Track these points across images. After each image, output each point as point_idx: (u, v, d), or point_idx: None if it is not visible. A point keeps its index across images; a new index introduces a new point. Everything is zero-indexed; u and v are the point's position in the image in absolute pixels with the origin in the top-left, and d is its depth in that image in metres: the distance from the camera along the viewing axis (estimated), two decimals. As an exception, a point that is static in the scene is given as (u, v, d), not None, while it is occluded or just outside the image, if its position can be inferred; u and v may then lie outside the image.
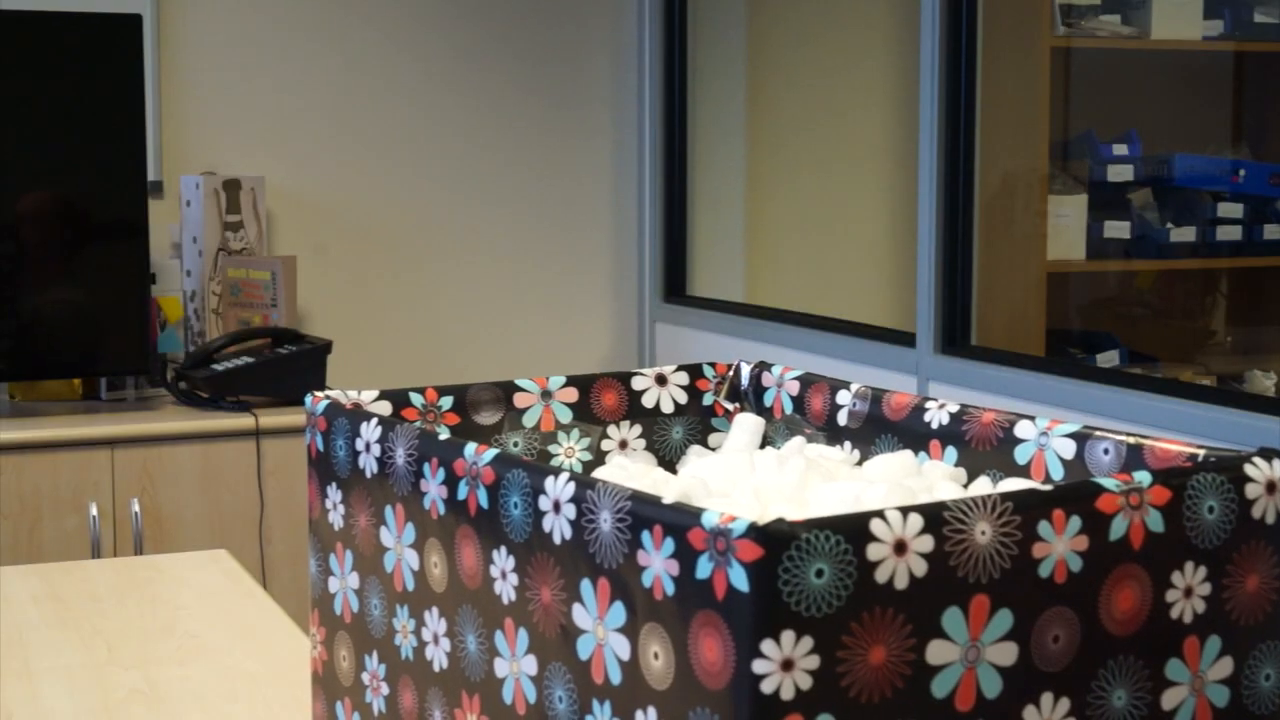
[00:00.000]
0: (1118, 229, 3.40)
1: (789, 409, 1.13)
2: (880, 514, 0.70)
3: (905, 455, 1.00)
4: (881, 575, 0.70)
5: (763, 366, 1.17)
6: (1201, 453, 0.87)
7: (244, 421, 3.09)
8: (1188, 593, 0.80)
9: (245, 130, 3.60)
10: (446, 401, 1.10)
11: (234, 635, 1.68)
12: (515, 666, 0.85)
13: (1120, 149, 3.42)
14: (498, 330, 3.86)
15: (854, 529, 0.69)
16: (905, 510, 0.71)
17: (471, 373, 3.66)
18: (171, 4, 3.53)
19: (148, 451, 3.04)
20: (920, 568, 0.71)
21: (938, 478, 0.96)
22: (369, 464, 0.98)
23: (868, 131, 3.87)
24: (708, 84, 3.93)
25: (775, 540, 0.68)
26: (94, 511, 2.99)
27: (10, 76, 3.09)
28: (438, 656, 0.93)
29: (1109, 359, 3.34)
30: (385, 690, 0.98)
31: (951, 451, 1.00)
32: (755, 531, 0.68)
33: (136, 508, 3.02)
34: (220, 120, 3.58)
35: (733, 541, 0.68)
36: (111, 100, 3.12)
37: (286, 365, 3.19)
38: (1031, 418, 0.97)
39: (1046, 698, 0.76)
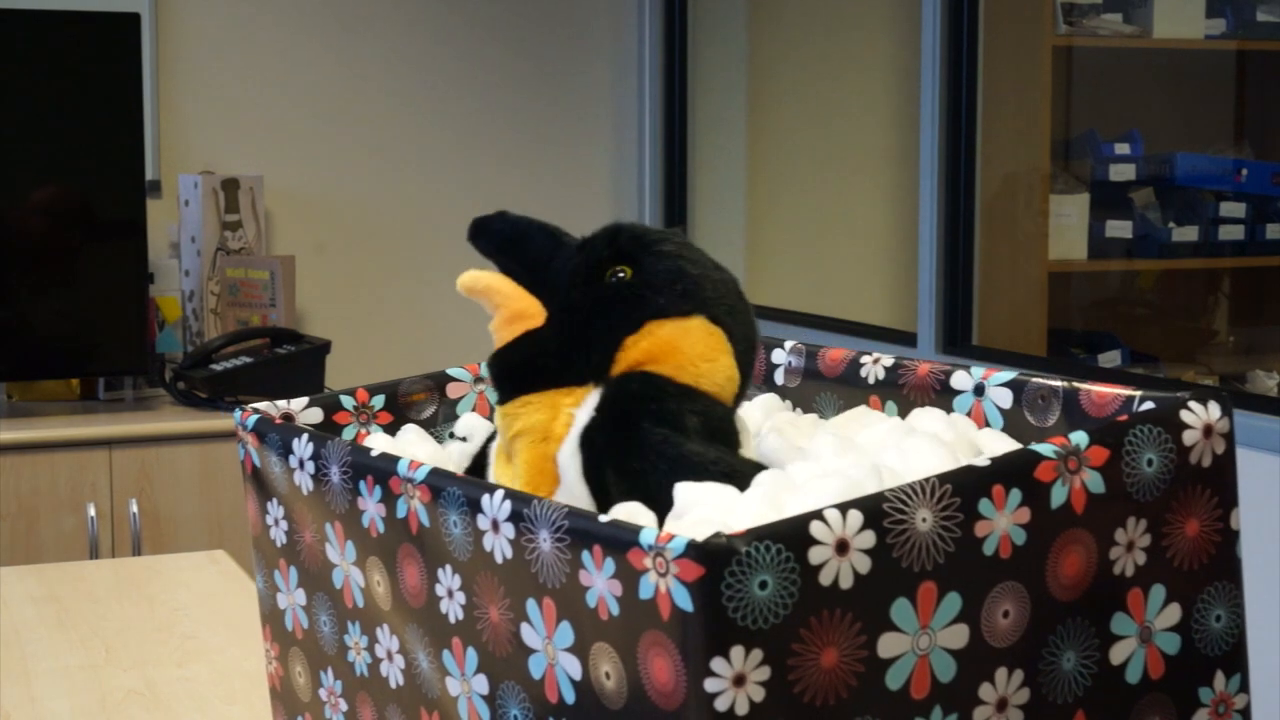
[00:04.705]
0: (1119, 228, 3.39)
1: None
2: (819, 515, 0.69)
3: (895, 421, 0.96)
4: (825, 578, 0.69)
5: None
6: (1137, 394, 0.85)
7: (243, 422, 3.07)
8: (1129, 547, 0.79)
9: (244, 130, 3.60)
10: (379, 400, 1.06)
11: (232, 636, 1.68)
12: (466, 686, 0.84)
13: (1122, 148, 3.41)
14: (497, 330, 3.84)
15: (794, 535, 0.69)
16: (844, 508, 0.70)
17: (471, 373, 3.64)
18: (170, 3, 3.52)
19: (146, 452, 3.03)
20: (864, 564, 0.70)
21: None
22: (304, 481, 0.94)
23: (869, 131, 3.86)
24: (708, 84, 3.92)
25: (715, 557, 0.67)
26: (92, 512, 2.98)
27: (8, 75, 3.09)
28: (393, 673, 0.90)
29: (1111, 359, 3.34)
30: (344, 706, 0.96)
31: (891, 405, 0.98)
32: (694, 549, 0.67)
33: (135, 508, 3.01)
34: (219, 119, 3.58)
35: (672, 561, 0.68)
36: (110, 99, 3.11)
37: (285, 365, 3.18)
38: (967, 367, 0.95)
39: (1001, 673, 0.75)
